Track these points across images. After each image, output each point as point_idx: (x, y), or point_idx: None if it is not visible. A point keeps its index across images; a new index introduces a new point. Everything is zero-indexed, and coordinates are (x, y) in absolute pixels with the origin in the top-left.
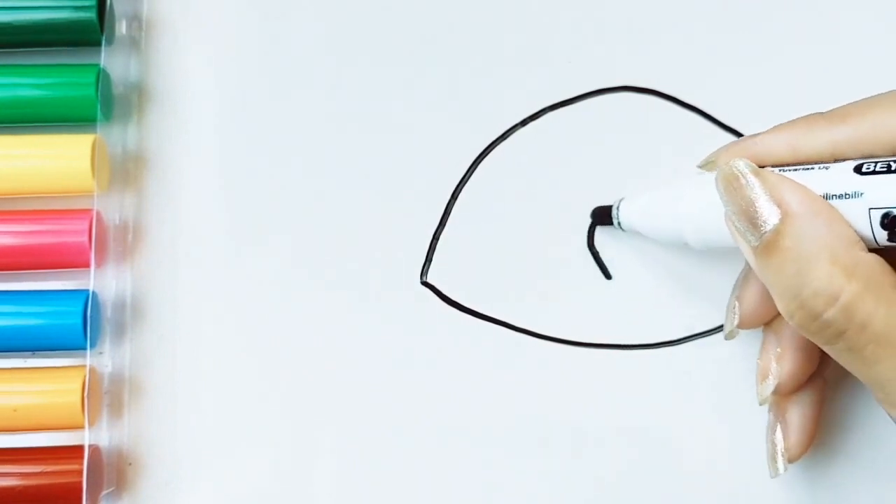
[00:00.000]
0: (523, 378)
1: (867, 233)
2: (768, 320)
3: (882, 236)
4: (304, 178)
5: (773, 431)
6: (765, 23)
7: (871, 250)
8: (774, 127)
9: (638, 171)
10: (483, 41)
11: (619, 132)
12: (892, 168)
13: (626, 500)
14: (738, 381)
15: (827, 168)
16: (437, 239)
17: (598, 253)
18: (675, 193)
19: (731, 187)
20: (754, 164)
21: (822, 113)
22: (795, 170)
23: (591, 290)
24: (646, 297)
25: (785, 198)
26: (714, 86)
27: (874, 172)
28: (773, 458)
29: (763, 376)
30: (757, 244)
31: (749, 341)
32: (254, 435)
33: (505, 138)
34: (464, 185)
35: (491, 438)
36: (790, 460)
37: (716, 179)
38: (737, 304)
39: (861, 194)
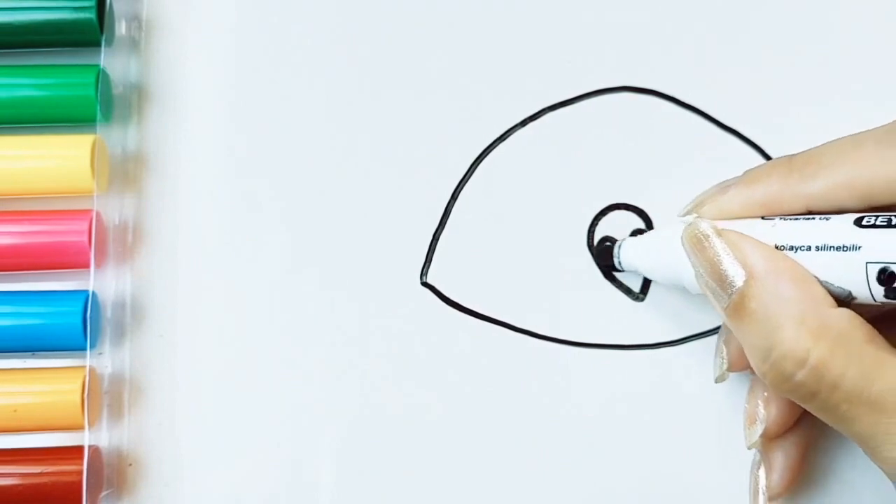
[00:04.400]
0: (523, 378)
1: (863, 288)
2: None
3: (879, 292)
4: (303, 178)
5: (757, 468)
6: (765, 23)
7: (866, 306)
8: (746, 175)
9: (637, 172)
10: (483, 41)
11: (619, 132)
12: (893, 223)
13: (626, 500)
14: (738, 382)
15: (828, 219)
16: (437, 239)
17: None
18: (672, 239)
19: (696, 249)
20: (716, 225)
21: (790, 160)
22: (796, 219)
23: (591, 290)
24: (646, 297)
25: (748, 258)
26: (714, 86)
27: (874, 226)
28: (755, 495)
29: (751, 421)
30: (726, 305)
31: None
32: (254, 435)
33: (505, 138)
34: (464, 185)
35: (490, 438)
36: (771, 499)
37: (682, 240)
38: (724, 348)
39: (859, 248)
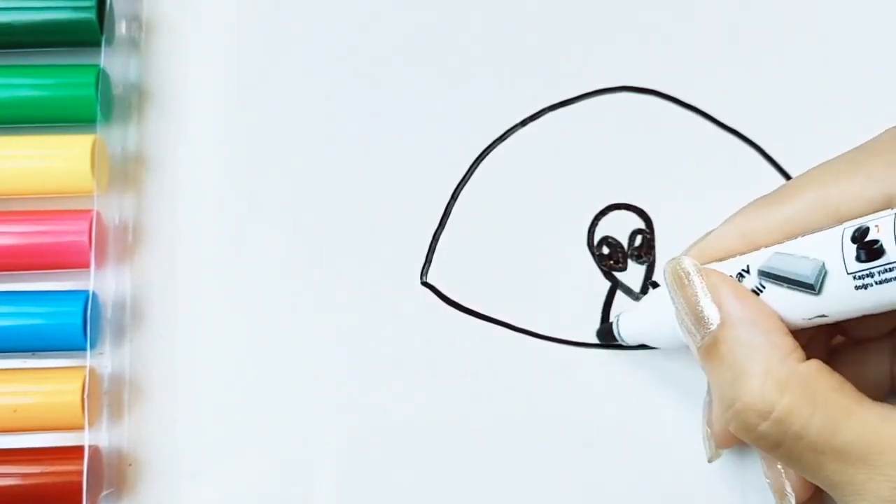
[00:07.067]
0: (523, 378)
1: (836, 254)
2: None
3: (850, 252)
4: (303, 178)
5: None
6: (765, 23)
7: (830, 326)
8: (727, 219)
9: (637, 172)
10: (483, 41)
11: (619, 132)
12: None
13: (626, 500)
14: None
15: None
16: (437, 239)
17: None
18: (666, 303)
19: (677, 286)
20: (698, 263)
21: (768, 195)
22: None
23: (591, 290)
24: (646, 297)
25: (725, 302)
26: (714, 86)
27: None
28: None
29: (780, 494)
30: (699, 344)
31: None
32: (254, 435)
33: (505, 138)
34: (464, 185)
35: (490, 438)
36: None
37: (664, 276)
38: (709, 429)
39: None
